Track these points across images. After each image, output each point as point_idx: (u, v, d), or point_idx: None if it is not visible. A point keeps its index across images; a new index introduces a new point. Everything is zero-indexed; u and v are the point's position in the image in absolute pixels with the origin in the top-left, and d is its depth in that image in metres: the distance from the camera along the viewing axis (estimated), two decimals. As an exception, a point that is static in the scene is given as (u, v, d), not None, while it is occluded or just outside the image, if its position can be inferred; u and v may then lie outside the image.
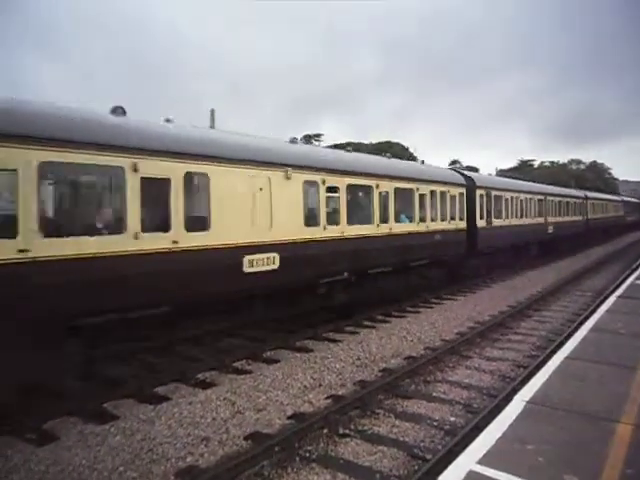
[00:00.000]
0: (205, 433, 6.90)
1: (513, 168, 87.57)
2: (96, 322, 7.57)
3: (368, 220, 13.54)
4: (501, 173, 62.29)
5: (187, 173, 8.94)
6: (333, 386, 8.75)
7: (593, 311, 12.43)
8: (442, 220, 17.21)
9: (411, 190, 15.50)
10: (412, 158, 62.75)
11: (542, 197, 28.05)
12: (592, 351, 8.16)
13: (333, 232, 12.20)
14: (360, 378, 9.11)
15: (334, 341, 11.58)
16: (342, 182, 12.48)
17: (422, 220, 15.96)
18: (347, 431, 7.00)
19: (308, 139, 66.73)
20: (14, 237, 6.76)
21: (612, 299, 13.01)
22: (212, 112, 14.67)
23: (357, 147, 58.80)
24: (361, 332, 12.44)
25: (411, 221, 15.51)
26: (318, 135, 71.91)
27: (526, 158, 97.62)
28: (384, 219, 14.05)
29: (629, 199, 62.33)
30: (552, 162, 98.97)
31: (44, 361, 7.18)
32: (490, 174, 35.24)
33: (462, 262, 19.06)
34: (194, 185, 9.47)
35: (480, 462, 4.58)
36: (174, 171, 8.68)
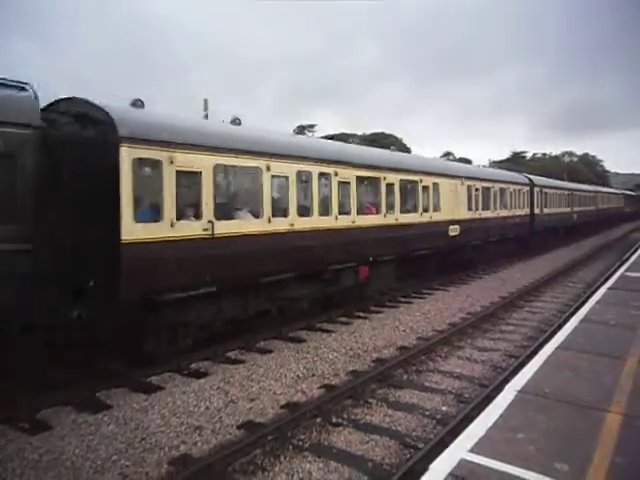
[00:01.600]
0: (198, 422, 6.93)
1: (506, 160, 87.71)
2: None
3: (488, 207, 21.91)
4: (494, 165, 62.56)
5: (434, 183, 17.17)
6: (326, 376, 8.80)
7: (584, 302, 12.52)
8: (518, 208, 25.51)
9: (506, 189, 24.05)
10: (406, 149, 62.78)
11: (569, 192, 36.13)
12: (582, 341, 8.24)
13: (476, 214, 20.54)
14: (353, 368, 9.16)
15: (327, 331, 11.62)
16: (480, 185, 21.10)
17: (511, 208, 24.47)
18: (340, 420, 7.05)
19: (302, 130, 66.54)
20: (200, 219, 9.16)
21: (602, 290, 13.11)
22: (205, 101, 14.64)
23: (352, 138, 58.72)
24: (354, 322, 12.49)
25: (506, 208, 23.85)
26: (312, 126, 71.69)
27: (519, 150, 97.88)
28: (495, 207, 22.50)
29: (628, 192, 72.02)
30: (544, 154, 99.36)
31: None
32: (485, 166, 38.59)
33: (527, 237, 27.01)
34: (435, 189, 17.37)
35: (471, 450, 4.63)
36: (430, 181, 16.90)
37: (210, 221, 9.29)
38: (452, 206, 18.36)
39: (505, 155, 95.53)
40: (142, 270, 8.22)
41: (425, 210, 16.55)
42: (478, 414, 5.65)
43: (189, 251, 8.93)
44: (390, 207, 14.63)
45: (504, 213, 23.39)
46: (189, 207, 9.20)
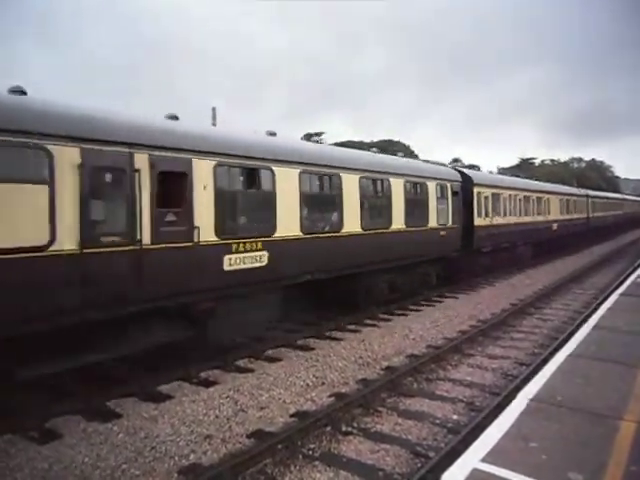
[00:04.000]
0: (208, 431, 6.91)
1: (514, 166, 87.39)
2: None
3: (569, 212, 33.06)
4: (503, 171, 62.48)
5: (548, 198, 28.73)
6: (336, 384, 8.75)
7: (595, 309, 12.41)
8: (582, 213, 36.68)
9: (577, 200, 35.41)
10: (413, 156, 62.74)
11: (607, 200, 48.47)
12: (595, 349, 8.15)
13: (563, 217, 31.37)
14: (362, 376, 9.11)
15: (336, 339, 11.57)
16: (564, 198, 32.46)
17: (578, 213, 35.59)
18: (350, 429, 7.01)
19: (309, 137, 66.73)
20: (488, 216, 20.52)
21: (614, 297, 12.99)
22: (214, 110, 14.74)
23: (358, 146, 58.77)
24: (363, 330, 12.43)
25: (576, 213, 34.96)
26: (319, 134, 71.92)
27: (527, 156, 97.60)
28: (572, 212, 33.71)
29: None
30: (553, 160, 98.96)
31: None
32: (492, 172, 42.09)
33: (586, 232, 37.38)
34: (548, 201, 28.69)
35: (484, 460, 4.58)
36: (547, 197, 28.71)
37: (491, 217, 20.42)
38: (555, 211, 29.78)
39: (514, 161, 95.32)
40: (479, 237, 19.23)
41: (545, 214, 28.12)
42: (490, 423, 5.60)
43: (486, 230, 19.86)
44: (538, 212, 26.81)
45: (576, 216, 34.83)
46: (485, 210, 20.03)
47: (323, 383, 8.80)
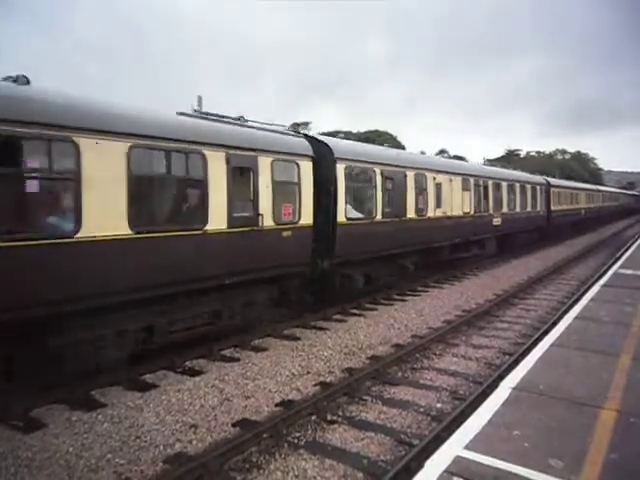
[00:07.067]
0: (193, 420, 6.91)
1: (500, 158, 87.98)
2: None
3: (592, 202, 46.16)
4: (489, 163, 63.04)
5: (579, 193, 42.01)
6: (321, 373, 8.79)
7: (577, 299, 12.58)
8: (595, 203, 47.19)
9: (598, 194, 50.64)
10: (400, 147, 62.81)
11: (611, 193, 62.65)
12: (576, 339, 8.28)
13: (588, 205, 44.39)
14: (348, 365, 9.16)
15: (322, 329, 11.61)
16: (589, 192, 46.37)
17: (596, 203, 48.47)
18: (335, 418, 7.05)
19: (296, 127, 66.46)
20: (562, 204, 36.08)
21: (596, 288, 13.17)
22: (199, 98, 14.52)
23: (346, 135, 58.72)
24: (349, 320, 12.48)
25: (598, 203, 49.61)
26: (306, 123, 71.70)
27: (513, 147, 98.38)
28: (594, 202, 46.69)
29: (637, 193, 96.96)
30: (538, 152, 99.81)
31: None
32: (482, 163, 44.55)
33: (598, 218, 48.88)
34: (578, 196, 41.56)
35: (467, 447, 4.64)
36: (579, 191, 42.58)
37: (557, 206, 32.72)
38: (582, 202, 40.85)
39: (500, 152, 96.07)
40: (553, 217, 31.65)
41: (579, 203, 39.93)
42: (473, 411, 5.67)
43: (555, 214, 32.21)
44: (576, 203, 39.00)
45: (596, 205, 47.69)
46: (555, 201, 32.21)
47: (309, 372, 8.83)
